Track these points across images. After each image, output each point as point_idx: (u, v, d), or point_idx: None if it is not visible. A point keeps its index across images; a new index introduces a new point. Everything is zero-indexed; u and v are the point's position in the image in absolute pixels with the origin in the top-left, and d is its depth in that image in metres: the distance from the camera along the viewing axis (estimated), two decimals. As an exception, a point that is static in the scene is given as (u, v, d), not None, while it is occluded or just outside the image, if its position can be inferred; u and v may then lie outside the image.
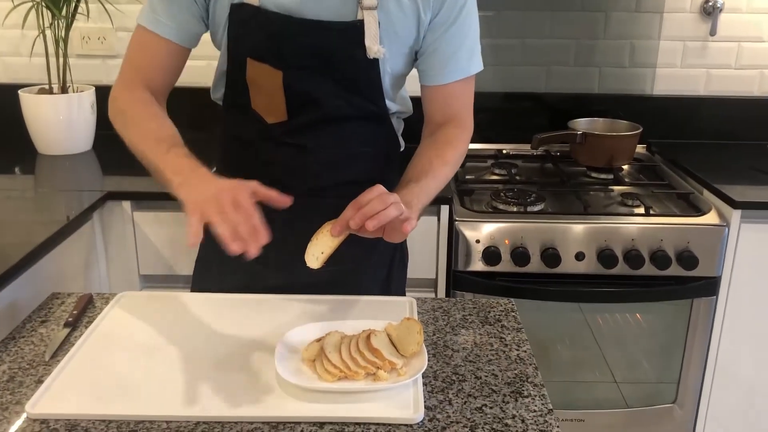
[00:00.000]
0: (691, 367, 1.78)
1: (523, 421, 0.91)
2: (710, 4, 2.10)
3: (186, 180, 0.99)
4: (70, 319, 1.10)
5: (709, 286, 1.70)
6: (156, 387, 0.92)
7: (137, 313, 1.11)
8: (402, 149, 1.30)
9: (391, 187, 1.26)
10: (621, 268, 1.65)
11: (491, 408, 0.94)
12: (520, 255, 1.63)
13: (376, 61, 1.12)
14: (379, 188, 1.00)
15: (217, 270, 1.28)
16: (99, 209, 1.66)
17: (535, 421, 0.91)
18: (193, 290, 1.34)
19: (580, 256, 1.65)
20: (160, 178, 1.04)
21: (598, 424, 1.82)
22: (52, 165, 1.92)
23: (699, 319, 1.73)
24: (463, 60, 1.18)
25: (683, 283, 1.68)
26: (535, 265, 1.65)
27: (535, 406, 0.95)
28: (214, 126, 1.30)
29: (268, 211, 1.20)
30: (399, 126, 1.27)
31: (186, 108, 1.82)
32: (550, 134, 1.94)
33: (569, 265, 1.65)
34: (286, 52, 1.11)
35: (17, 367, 1.00)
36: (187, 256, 1.69)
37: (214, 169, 1.29)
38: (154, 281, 1.76)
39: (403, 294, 1.31)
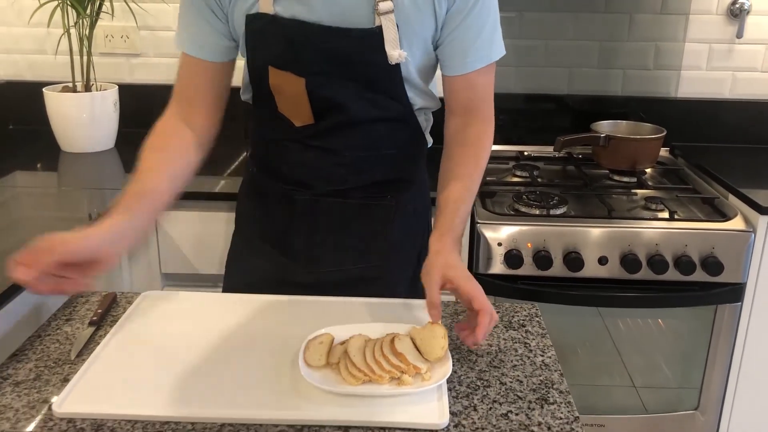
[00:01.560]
0: (714, 373, 1.76)
1: (549, 428, 0.91)
2: (737, 5, 2.08)
3: None
4: (95, 318, 1.11)
5: (734, 293, 1.68)
6: (181, 388, 0.92)
7: (161, 313, 1.12)
8: (430, 146, 1.30)
9: (420, 182, 1.29)
10: (644, 273, 1.64)
11: (517, 414, 0.93)
12: (542, 258, 1.63)
13: (397, 64, 1.12)
14: (493, 317, 1.00)
15: (248, 262, 1.31)
16: None
17: (561, 429, 0.90)
18: (225, 279, 1.35)
19: (603, 260, 1.63)
20: None
21: (618, 429, 1.81)
22: (75, 162, 1.94)
23: (723, 326, 1.72)
24: (484, 47, 1.16)
25: (708, 289, 1.66)
26: (558, 268, 1.64)
27: (561, 413, 0.94)
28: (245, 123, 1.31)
29: (297, 209, 1.23)
30: (427, 123, 1.26)
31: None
32: (573, 136, 1.92)
33: (592, 269, 1.64)
34: (306, 59, 1.11)
35: (43, 365, 1.00)
36: (210, 254, 1.71)
37: (250, 168, 1.31)
38: (176, 279, 1.77)
39: None
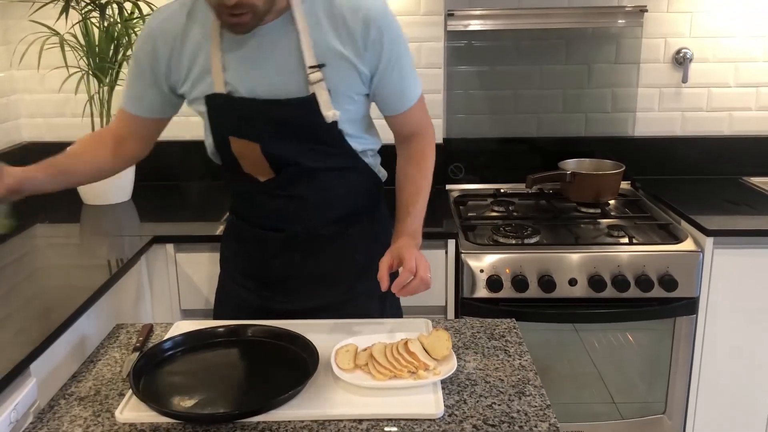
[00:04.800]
0: (677, 379, 1.93)
1: (526, 414, 1.09)
2: (681, 55, 2.30)
3: None
4: (138, 344, 1.26)
5: (689, 306, 1.87)
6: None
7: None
8: (385, 178, 1.47)
9: (376, 212, 1.47)
10: (610, 292, 1.82)
11: (499, 405, 1.11)
12: (519, 282, 1.82)
13: (334, 121, 1.27)
14: (424, 273, 1.23)
15: (234, 294, 1.46)
16: (145, 252, 1.81)
17: (536, 414, 1.09)
18: (216, 309, 1.51)
19: (573, 282, 1.82)
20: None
21: (596, 435, 1.97)
22: (97, 213, 2.07)
23: (682, 336, 1.89)
24: (412, 89, 1.35)
25: (666, 303, 1.84)
26: (533, 290, 1.83)
27: (536, 402, 1.12)
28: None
29: (271, 249, 1.39)
30: (375, 161, 1.42)
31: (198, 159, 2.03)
32: (542, 174, 2.12)
33: (564, 290, 1.82)
34: (258, 127, 1.28)
35: (100, 383, 1.16)
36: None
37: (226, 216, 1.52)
38: (193, 315, 1.89)
39: (398, 307, 1.50)
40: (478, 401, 1.11)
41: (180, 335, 1.23)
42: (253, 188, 1.36)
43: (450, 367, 1.15)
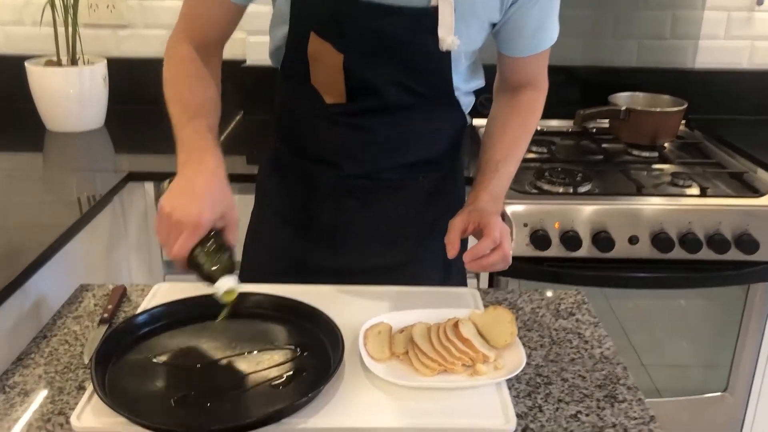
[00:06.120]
0: (744, 354, 1.71)
1: (625, 429, 0.83)
2: None
3: (185, 165, 0.94)
4: (106, 315, 1.03)
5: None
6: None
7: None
8: (469, 124, 1.23)
9: (457, 162, 1.23)
10: (677, 252, 1.57)
11: (587, 415, 0.86)
12: (570, 239, 1.55)
13: (448, 51, 1.03)
14: (507, 246, 0.99)
15: (268, 244, 1.24)
16: (119, 192, 1.57)
17: (639, 431, 0.83)
18: (243, 261, 1.28)
19: (633, 240, 1.56)
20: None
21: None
22: (63, 143, 1.83)
23: (755, 305, 1.66)
24: (549, 30, 1.12)
25: (741, 267, 1.60)
26: (586, 249, 1.57)
27: (634, 411, 0.87)
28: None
29: (322, 190, 1.15)
30: (468, 103, 1.18)
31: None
32: (594, 109, 1.85)
33: (623, 250, 1.57)
34: (350, 35, 1.03)
35: (54, 370, 0.91)
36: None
37: (273, 146, 1.22)
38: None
39: (464, 278, 1.24)
40: (557, 409, 0.87)
41: (161, 306, 0.98)
42: (313, 109, 1.11)
43: (517, 360, 0.89)
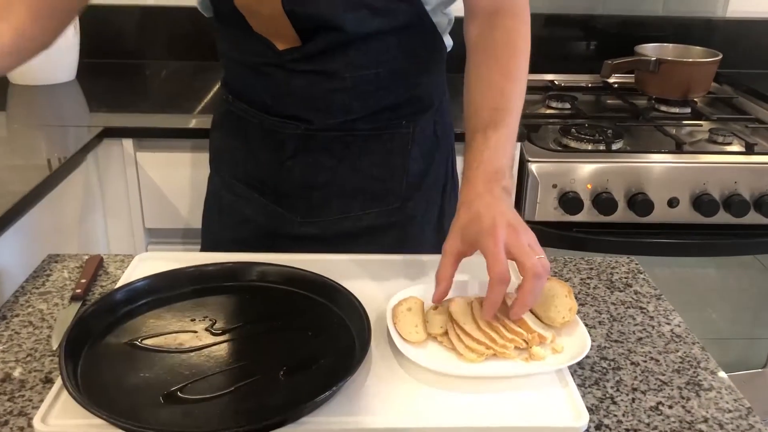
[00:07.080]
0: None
1: (719, 424, 0.69)
2: None
3: None
4: (79, 291, 0.90)
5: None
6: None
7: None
8: (450, 49, 1.06)
9: (437, 103, 1.06)
10: (721, 216, 1.44)
11: (671, 407, 0.71)
12: (604, 202, 1.41)
13: None
14: (525, 257, 0.74)
15: (231, 212, 1.11)
16: (94, 149, 1.45)
17: (737, 426, 0.68)
18: (204, 234, 1.18)
19: (673, 202, 1.43)
20: None
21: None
22: (28, 97, 1.71)
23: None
24: None
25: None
26: (621, 213, 1.43)
27: (726, 402, 0.73)
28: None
29: (288, 147, 1.00)
30: (446, 23, 1.01)
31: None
32: (623, 60, 1.71)
33: (662, 213, 1.44)
34: None
35: (14, 359, 0.77)
36: (201, 204, 1.48)
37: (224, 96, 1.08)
38: (162, 236, 1.59)
39: None
40: (634, 400, 0.73)
41: (144, 279, 0.83)
42: (264, 57, 0.97)
43: (579, 342, 0.75)
